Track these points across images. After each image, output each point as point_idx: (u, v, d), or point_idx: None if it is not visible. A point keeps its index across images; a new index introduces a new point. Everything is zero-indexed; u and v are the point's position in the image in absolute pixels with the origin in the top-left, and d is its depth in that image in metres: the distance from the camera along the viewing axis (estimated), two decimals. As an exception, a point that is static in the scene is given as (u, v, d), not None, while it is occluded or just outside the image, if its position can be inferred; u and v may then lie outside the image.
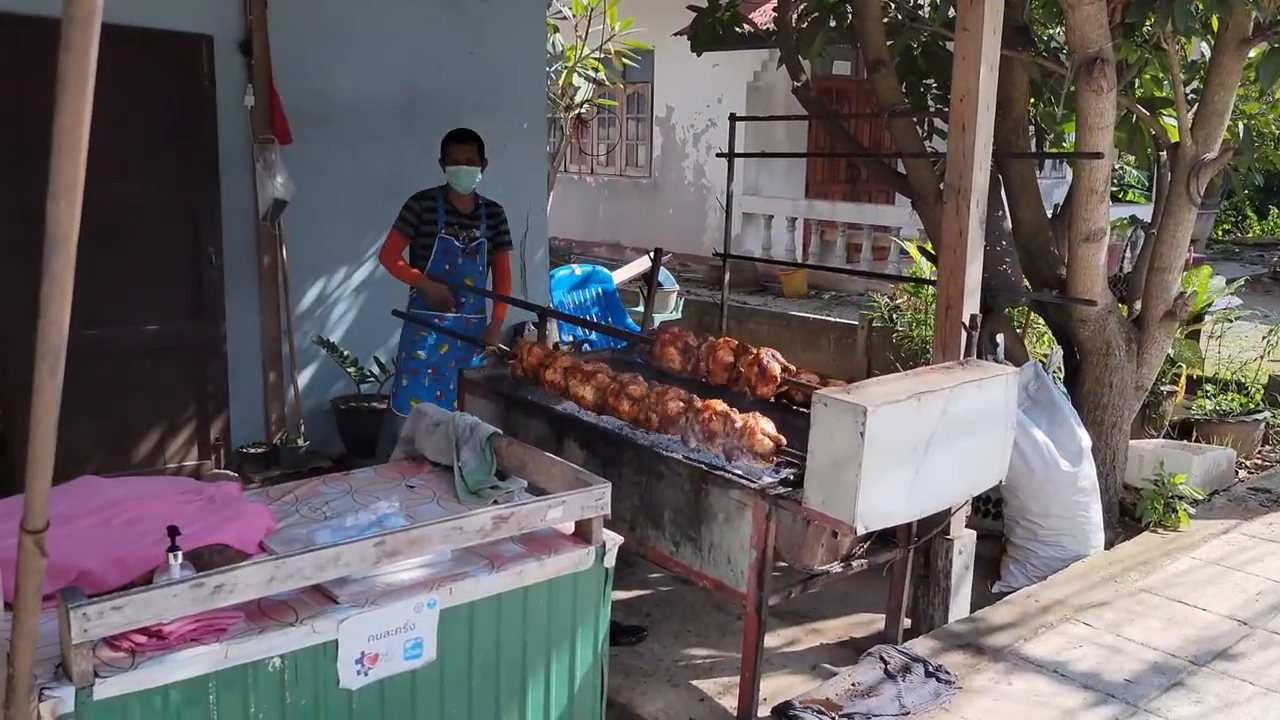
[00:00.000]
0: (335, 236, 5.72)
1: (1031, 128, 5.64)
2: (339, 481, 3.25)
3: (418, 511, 2.96)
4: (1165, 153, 5.03)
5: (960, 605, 4.11)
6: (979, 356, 3.92)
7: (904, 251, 10.10)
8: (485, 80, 6.30)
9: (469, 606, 2.52)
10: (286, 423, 5.66)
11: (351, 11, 5.71)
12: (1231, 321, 7.65)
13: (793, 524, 3.33)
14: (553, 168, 10.05)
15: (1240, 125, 5.36)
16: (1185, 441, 6.10)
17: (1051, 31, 5.94)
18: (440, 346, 4.92)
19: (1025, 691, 3.43)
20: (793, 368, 3.78)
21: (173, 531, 2.24)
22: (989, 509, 4.99)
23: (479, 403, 4.46)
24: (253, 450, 5.38)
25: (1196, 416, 6.44)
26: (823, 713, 3.24)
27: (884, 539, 3.73)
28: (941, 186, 4.54)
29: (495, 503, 2.92)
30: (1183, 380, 6.62)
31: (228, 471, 5.23)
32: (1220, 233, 17.86)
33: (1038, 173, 5.45)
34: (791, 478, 3.22)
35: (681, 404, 3.57)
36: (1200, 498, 5.14)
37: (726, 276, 6.14)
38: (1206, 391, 6.83)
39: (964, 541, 4.09)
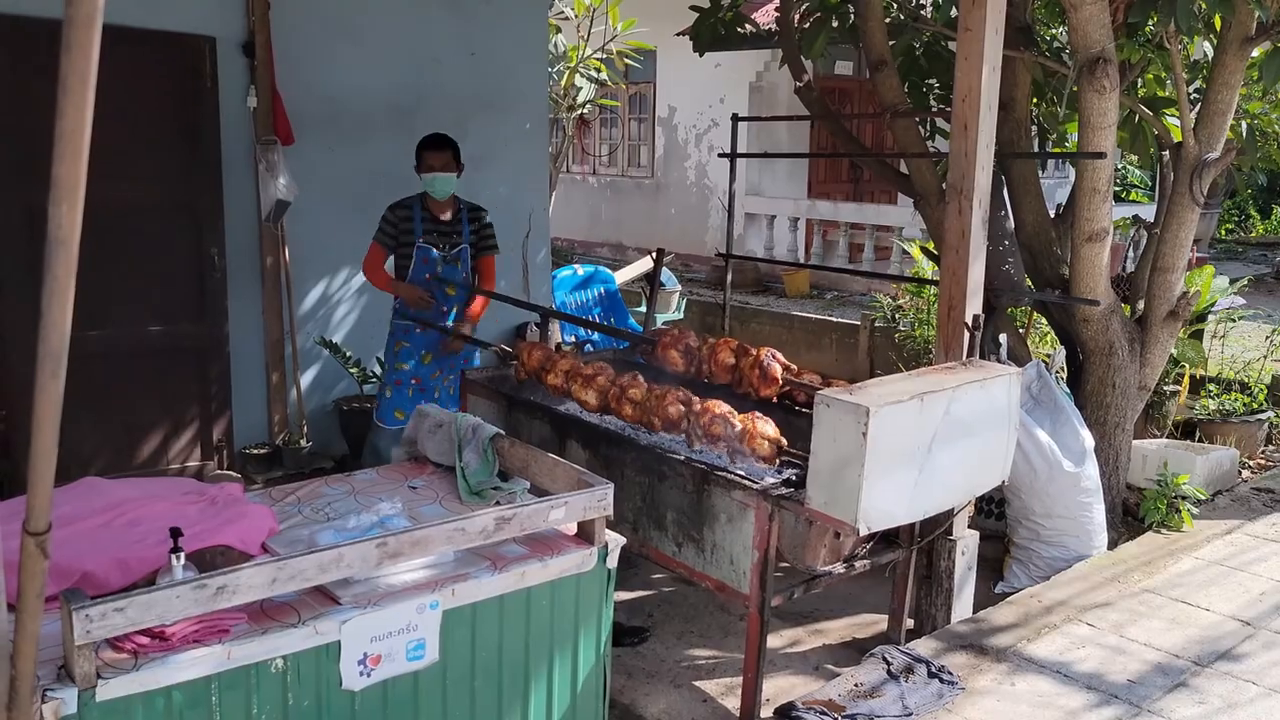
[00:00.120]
0: (338, 237, 5.72)
1: (1034, 127, 5.63)
2: (341, 482, 3.25)
3: (420, 513, 2.96)
4: (1168, 152, 5.02)
5: (963, 606, 4.11)
6: (982, 357, 3.91)
7: (906, 252, 10.09)
8: (488, 81, 6.31)
9: (471, 607, 2.52)
10: (289, 424, 5.66)
11: (354, 12, 5.71)
12: (1235, 321, 7.64)
13: (795, 525, 3.33)
14: (555, 168, 10.05)
15: (1243, 125, 5.36)
16: (1188, 441, 6.09)
17: (1054, 31, 5.94)
18: (424, 357, 4.86)
19: (1028, 692, 3.43)
20: (794, 368, 3.78)
21: (175, 533, 2.24)
22: (992, 509, 4.99)
23: (481, 403, 4.46)
24: (255, 451, 5.38)
25: (1200, 416, 6.44)
26: (825, 713, 3.23)
27: (887, 539, 3.73)
28: (944, 186, 4.54)
29: (497, 504, 2.92)
30: (1186, 380, 6.61)
31: (230, 472, 5.23)
32: (1223, 232, 17.85)
33: (1040, 172, 5.45)
34: (794, 478, 3.22)
35: (682, 407, 3.56)
36: (1203, 498, 5.13)
37: (729, 277, 6.14)
38: (1210, 391, 6.82)
39: (967, 542, 4.08)
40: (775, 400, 3.84)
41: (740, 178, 10.83)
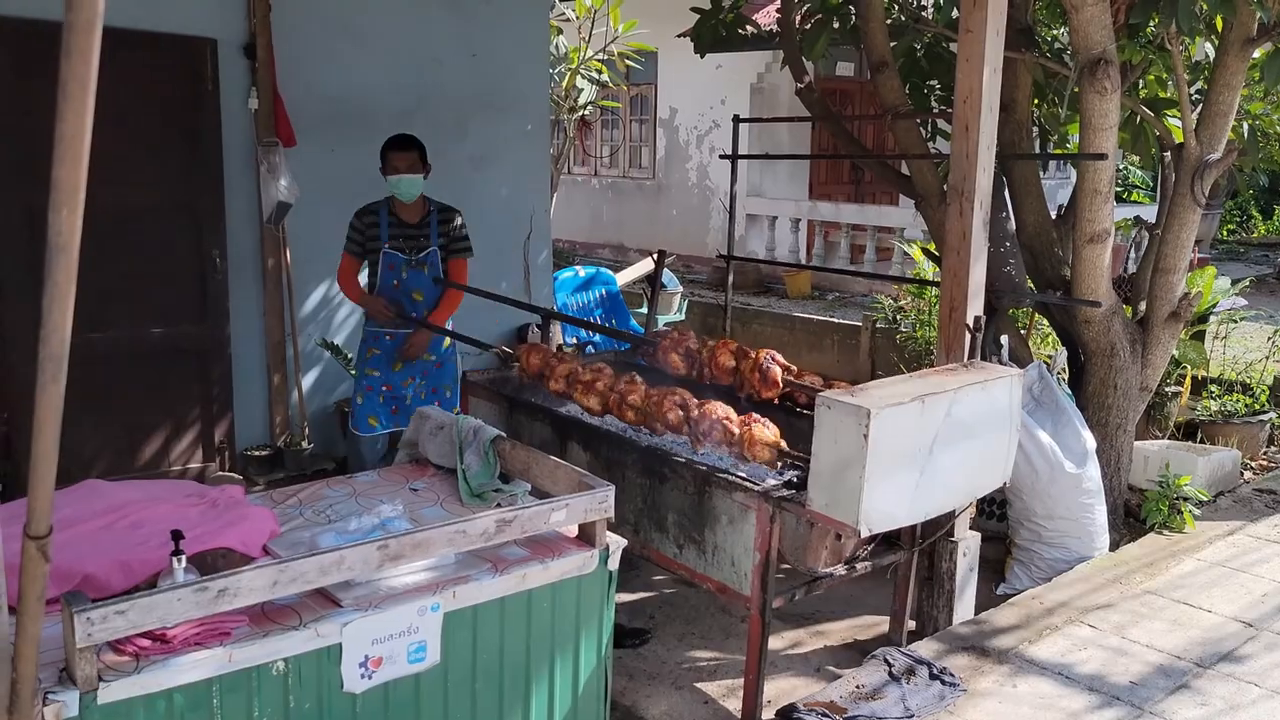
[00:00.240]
0: (339, 239, 5.69)
1: (1035, 129, 5.63)
2: (343, 484, 3.25)
3: (421, 515, 2.96)
4: (1169, 153, 5.02)
5: (965, 607, 4.11)
6: (983, 358, 3.91)
7: (908, 253, 10.09)
8: (489, 82, 6.31)
9: (472, 610, 2.52)
10: (290, 425, 5.66)
11: (355, 14, 5.71)
12: (1236, 322, 7.64)
13: (796, 526, 3.33)
14: (556, 169, 10.06)
15: (1244, 126, 5.36)
16: (1190, 443, 6.09)
17: (1055, 32, 5.94)
18: (394, 364, 4.72)
19: (1030, 694, 3.43)
20: (793, 369, 3.77)
21: (177, 535, 2.24)
22: (993, 511, 4.99)
23: (482, 405, 4.46)
24: (257, 453, 5.39)
25: (1201, 417, 6.43)
26: (827, 715, 3.23)
27: (888, 541, 3.73)
28: (945, 188, 4.54)
29: (499, 506, 2.92)
30: (1187, 381, 6.61)
31: (232, 474, 5.23)
32: (1225, 233, 17.83)
33: (1042, 174, 5.45)
34: (795, 480, 3.22)
35: (680, 413, 3.56)
36: (1205, 499, 5.13)
37: (730, 278, 6.14)
38: (1211, 392, 6.82)
39: (968, 543, 4.08)
40: (776, 402, 3.84)
41: (741, 179, 10.85)
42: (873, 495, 2.92)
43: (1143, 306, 5.15)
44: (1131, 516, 5.13)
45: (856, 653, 3.94)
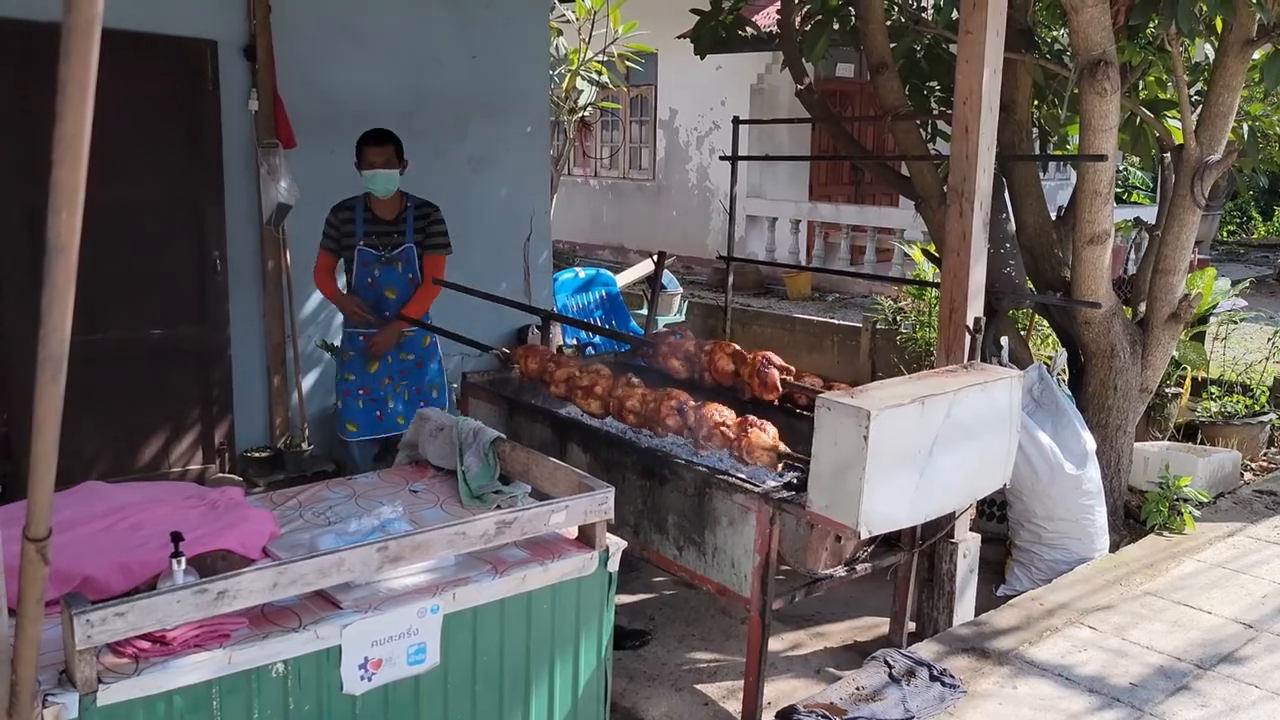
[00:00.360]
0: (339, 240, 5.72)
1: (1035, 130, 5.63)
2: (342, 486, 3.26)
3: (421, 516, 2.96)
4: (1169, 155, 5.02)
5: (965, 609, 4.10)
6: (983, 359, 3.91)
7: (908, 254, 10.09)
8: (489, 83, 6.31)
9: (472, 611, 2.52)
10: (291, 427, 5.66)
11: (355, 15, 5.71)
12: (1236, 323, 7.64)
13: (796, 528, 3.33)
14: (556, 170, 10.06)
15: (1244, 127, 5.36)
16: (1190, 444, 6.08)
17: (1055, 34, 5.94)
18: (369, 366, 4.65)
19: (1030, 695, 3.42)
20: (791, 369, 3.77)
21: (176, 537, 2.24)
22: (993, 512, 4.99)
23: (482, 407, 4.46)
24: (257, 454, 5.38)
25: (1201, 419, 6.43)
26: (827, 717, 3.23)
27: (888, 543, 3.72)
28: (945, 189, 4.54)
29: (498, 507, 2.92)
30: (1187, 382, 6.61)
31: (232, 476, 5.23)
32: (1225, 234, 17.83)
33: (1041, 175, 5.45)
34: (795, 481, 3.22)
35: (679, 418, 3.56)
36: (1205, 500, 5.13)
37: (730, 279, 6.14)
38: (1211, 393, 6.82)
39: (968, 545, 4.08)
40: (776, 403, 3.84)
41: (741, 180, 10.86)
42: (873, 497, 2.92)
43: (1143, 308, 5.15)
44: (1131, 518, 5.12)
45: (857, 654, 3.94)
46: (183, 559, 2.23)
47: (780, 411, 3.85)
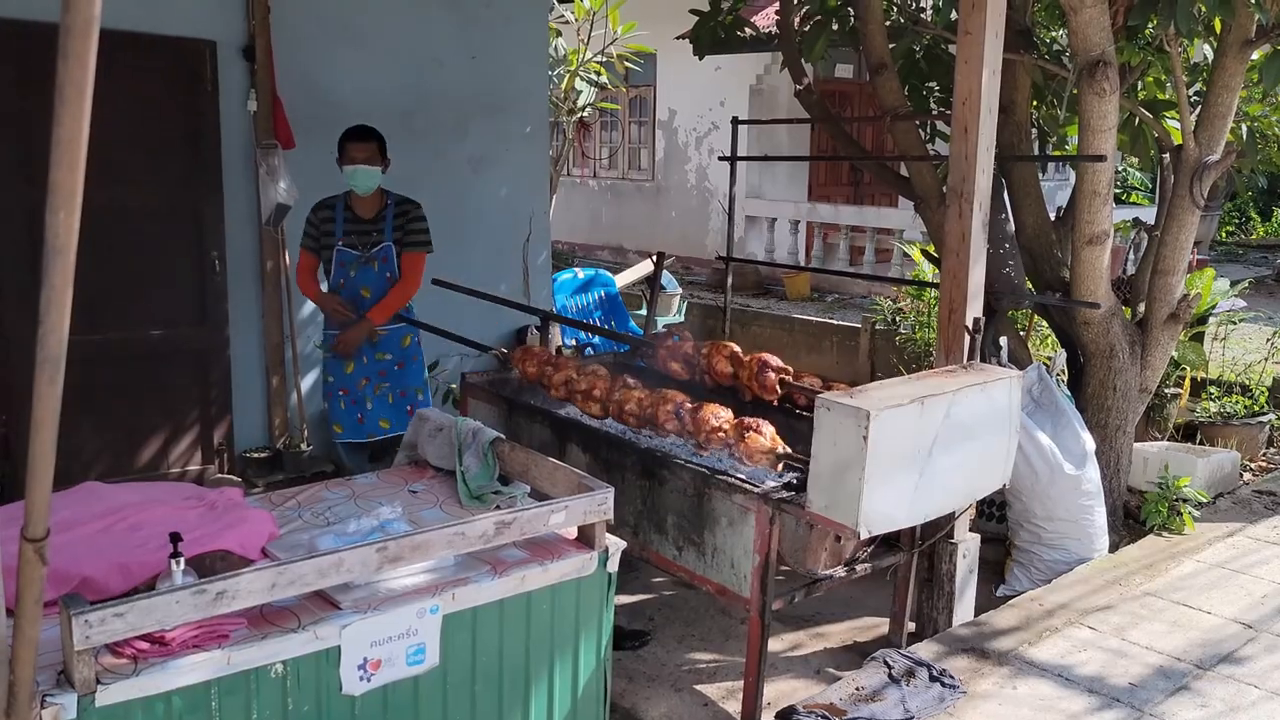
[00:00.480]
0: (338, 241, 5.72)
1: (1034, 130, 5.63)
2: (341, 487, 3.25)
3: (420, 517, 2.95)
4: (1168, 155, 5.02)
5: (964, 609, 4.10)
6: (982, 359, 3.91)
7: (907, 254, 10.09)
8: (488, 84, 6.31)
9: (472, 612, 2.52)
10: (290, 427, 5.66)
11: (354, 16, 5.71)
12: (1235, 324, 7.64)
13: (796, 528, 3.33)
14: (555, 171, 10.05)
15: (1243, 127, 5.36)
16: (1189, 444, 6.09)
17: (1054, 34, 5.94)
18: (346, 367, 4.54)
19: (1030, 695, 3.42)
20: (789, 370, 3.77)
21: (175, 538, 2.24)
22: (993, 512, 4.98)
23: (481, 407, 4.46)
24: (256, 455, 5.38)
25: (1201, 419, 6.43)
26: (827, 717, 3.23)
27: (888, 543, 3.72)
28: (944, 189, 4.54)
29: (498, 508, 2.92)
30: (1187, 383, 6.61)
31: (231, 476, 5.23)
32: (1224, 235, 17.84)
33: (1040, 175, 5.45)
34: (795, 482, 3.22)
35: (677, 422, 3.56)
36: (1205, 500, 5.13)
37: (729, 279, 6.14)
38: (1210, 394, 6.82)
39: (968, 545, 4.08)
40: (775, 404, 3.84)
41: (741, 181, 10.84)
42: (872, 497, 2.92)
43: (1142, 308, 5.15)
44: (1131, 518, 5.12)
45: (856, 655, 3.94)
46: (181, 559, 2.23)
47: (779, 412, 3.85)
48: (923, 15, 5.57)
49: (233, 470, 5.34)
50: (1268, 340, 7.42)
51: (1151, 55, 4.82)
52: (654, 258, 5.59)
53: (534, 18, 6.62)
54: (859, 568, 3.58)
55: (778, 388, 3.72)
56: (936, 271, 5.06)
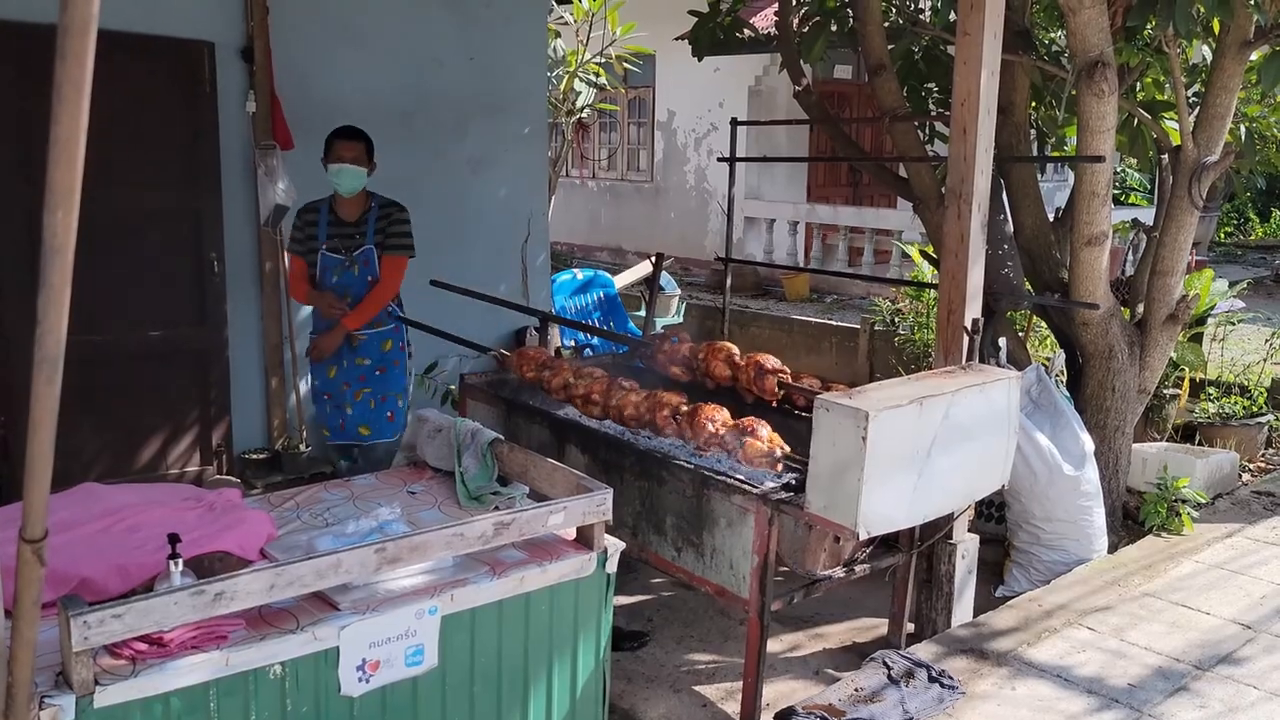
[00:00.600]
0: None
1: (1033, 131, 5.64)
2: (340, 488, 3.25)
3: (419, 518, 2.95)
4: (1167, 156, 5.03)
5: (963, 610, 4.10)
6: (981, 360, 3.91)
7: (906, 255, 10.10)
8: (487, 85, 6.31)
9: (470, 613, 2.52)
10: (288, 428, 5.66)
11: (353, 16, 5.71)
12: (1234, 324, 7.64)
13: (795, 529, 3.33)
14: (554, 172, 10.05)
15: (1242, 128, 5.36)
16: (1188, 445, 6.09)
17: (1053, 35, 5.94)
18: (328, 370, 4.50)
19: (1029, 696, 3.42)
20: (786, 371, 3.77)
21: (173, 539, 2.24)
22: (992, 513, 4.99)
23: (480, 408, 4.46)
24: (255, 456, 5.37)
25: (1199, 420, 6.44)
26: (825, 718, 3.23)
27: (887, 544, 3.73)
28: (943, 190, 4.54)
29: (497, 509, 2.92)
30: (1185, 383, 6.61)
31: (229, 478, 5.22)
32: (1222, 235, 17.84)
33: (1039, 176, 5.45)
34: (793, 482, 3.22)
35: (675, 426, 3.56)
36: (1203, 501, 5.13)
37: (728, 280, 6.14)
38: (1209, 395, 6.82)
39: (967, 546, 4.08)
40: (775, 405, 3.84)
41: (739, 182, 10.83)
42: (871, 498, 2.91)
43: (1141, 309, 5.15)
44: (1130, 519, 5.12)
45: (855, 655, 3.94)
46: (180, 561, 2.23)
47: (778, 412, 3.85)
48: (921, 16, 5.57)
49: (231, 471, 5.33)
50: (1266, 341, 7.42)
51: (1150, 56, 4.82)
52: (653, 259, 5.59)
53: (533, 19, 6.62)
54: (858, 568, 3.58)
55: (777, 389, 3.72)
56: (935, 272, 5.07)
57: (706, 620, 4.27)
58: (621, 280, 8.93)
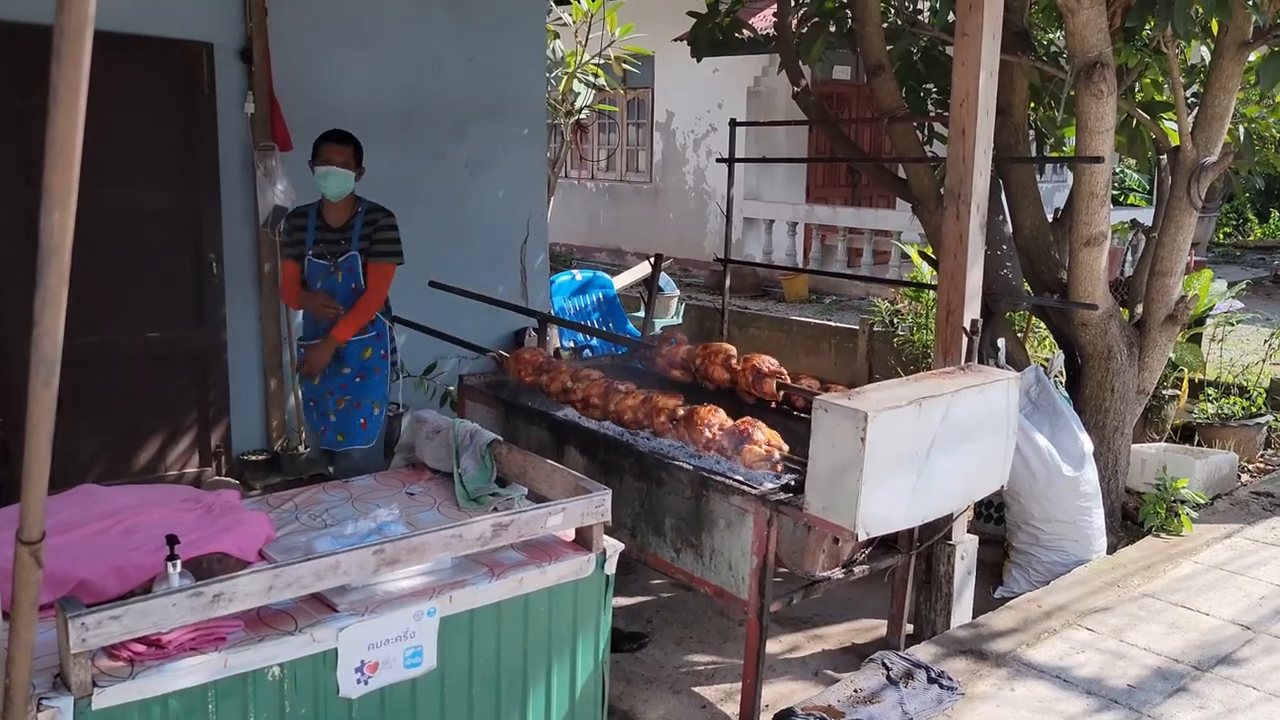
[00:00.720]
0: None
1: (1032, 132, 5.64)
2: (339, 489, 3.25)
3: (417, 519, 2.95)
4: (1166, 156, 5.03)
5: (962, 611, 4.10)
6: (980, 361, 3.91)
7: (905, 256, 10.10)
8: (486, 86, 6.31)
9: (469, 614, 2.51)
10: (287, 430, 5.65)
11: (351, 18, 5.71)
12: (1233, 325, 7.64)
13: (794, 530, 3.32)
14: (553, 173, 10.05)
15: (1241, 129, 5.36)
16: (1187, 445, 6.09)
17: (1051, 36, 5.94)
18: (313, 377, 4.41)
19: (1028, 697, 3.42)
20: (784, 373, 3.77)
21: (172, 540, 2.23)
22: (991, 514, 4.98)
23: (479, 409, 4.45)
24: (253, 457, 5.37)
25: (1198, 420, 6.44)
26: (825, 719, 3.22)
27: (886, 544, 3.72)
28: (942, 191, 4.54)
29: (495, 510, 2.91)
30: (1184, 384, 6.61)
31: (228, 479, 5.22)
32: (1221, 236, 17.84)
33: (1038, 177, 5.45)
34: (792, 483, 3.22)
35: (673, 430, 3.56)
36: (1202, 502, 5.12)
37: (727, 281, 6.13)
38: (1208, 395, 6.82)
39: (966, 547, 4.08)
40: (774, 405, 3.84)
41: (738, 182, 10.85)
42: (870, 498, 2.91)
43: (1139, 309, 5.15)
44: (1129, 519, 5.12)
45: (854, 656, 3.94)
46: (178, 562, 2.22)
47: (778, 413, 3.85)
48: (920, 17, 5.57)
49: (230, 472, 5.33)
50: (1265, 341, 7.42)
51: (1149, 57, 4.82)
52: (652, 260, 5.58)
53: (532, 20, 6.63)
54: (857, 569, 3.57)
55: (776, 391, 3.72)
56: (934, 273, 5.06)
57: (706, 621, 4.27)
58: (620, 281, 8.93)
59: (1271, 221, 18.64)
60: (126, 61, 4.74)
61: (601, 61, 10.12)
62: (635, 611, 4.34)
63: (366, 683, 2.34)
